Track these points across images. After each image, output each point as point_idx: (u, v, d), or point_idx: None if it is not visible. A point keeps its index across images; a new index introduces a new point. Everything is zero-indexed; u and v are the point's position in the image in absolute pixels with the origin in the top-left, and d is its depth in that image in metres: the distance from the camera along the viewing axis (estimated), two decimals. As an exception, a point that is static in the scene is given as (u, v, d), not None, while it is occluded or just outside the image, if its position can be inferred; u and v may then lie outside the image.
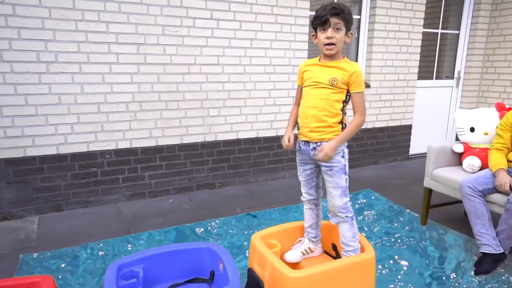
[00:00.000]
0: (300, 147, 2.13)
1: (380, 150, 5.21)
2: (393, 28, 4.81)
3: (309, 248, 2.29)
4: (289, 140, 2.11)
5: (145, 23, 3.51)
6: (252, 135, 4.29)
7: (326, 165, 2.00)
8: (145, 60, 3.58)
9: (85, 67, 3.36)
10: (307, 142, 2.06)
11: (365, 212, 3.48)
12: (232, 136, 4.18)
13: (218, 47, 3.89)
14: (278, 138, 4.45)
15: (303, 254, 2.28)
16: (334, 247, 2.37)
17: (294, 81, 4.37)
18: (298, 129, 2.14)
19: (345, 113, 2.05)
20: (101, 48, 3.39)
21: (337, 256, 2.31)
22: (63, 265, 2.56)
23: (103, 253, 2.71)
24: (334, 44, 1.93)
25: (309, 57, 4.47)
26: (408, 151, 5.43)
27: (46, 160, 3.36)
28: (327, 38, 1.92)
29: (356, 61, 4.93)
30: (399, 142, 5.32)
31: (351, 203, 2.16)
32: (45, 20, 3.14)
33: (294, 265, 2.21)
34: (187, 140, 3.95)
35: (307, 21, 4.28)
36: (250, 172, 4.37)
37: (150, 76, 3.63)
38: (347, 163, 2.06)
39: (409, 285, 2.38)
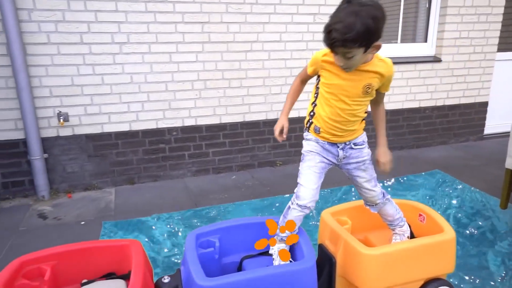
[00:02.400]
0: (318, 140, 1.80)
1: (451, 130, 4.87)
2: (470, -4, 4.40)
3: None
4: (282, 131, 1.86)
5: (210, 1, 3.55)
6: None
7: (358, 161, 1.82)
8: (209, 38, 3.63)
9: (153, 47, 3.49)
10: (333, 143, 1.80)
11: (433, 193, 3.31)
12: (293, 114, 4.10)
13: (280, 23, 3.83)
14: (340, 116, 4.33)
15: None
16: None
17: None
18: (313, 128, 1.82)
19: (366, 114, 1.81)
20: (168, 28, 3.49)
21: (411, 236, 2.23)
22: (139, 233, 2.76)
23: (174, 224, 2.87)
24: (348, 68, 1.59)
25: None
26: (483, 130, 5.02)
27: (120, 136, 3.60)
28: (340, 64, 1.58)
29: (426, 35, 4.59)
30: (473, 120, 4.93)
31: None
32: (118, 3, 3.30)
33: (366, 243, 2.15)
34: (249, 118, 3.99)
35: (374, -8, 4.05)
36: (311, 151, 4.32)
37: (214, 54, 3.68)
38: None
39: (487, 270, 2.24)
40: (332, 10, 1.55)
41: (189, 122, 3.79)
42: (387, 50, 4.42)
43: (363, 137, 1.85)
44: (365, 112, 1.78)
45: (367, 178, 1.86)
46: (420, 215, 2.16)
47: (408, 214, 2.25)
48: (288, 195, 3.31)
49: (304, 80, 1.91)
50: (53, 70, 3.26)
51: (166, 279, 1.71)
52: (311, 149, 1.80)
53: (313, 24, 3.93)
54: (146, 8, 3.39)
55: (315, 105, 1.78)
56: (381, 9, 1.48)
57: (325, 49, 1.63)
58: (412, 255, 1.80)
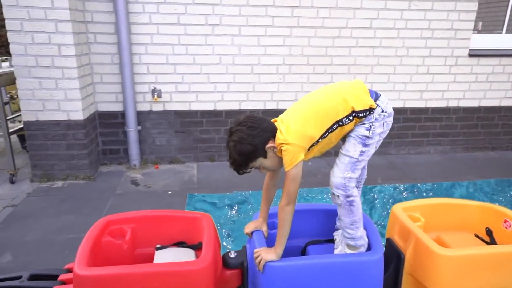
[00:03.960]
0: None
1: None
2: None
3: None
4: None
5: (302, -15, 3.52)
6: (399, 104, 4.03)
7: (349, 131, 1.62)
8: (298, 23, 3.62)
9: (243, 30, 3.57)
10: None
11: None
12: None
13: (372, 9, 3.68)
14: (427, 110, 4.09)
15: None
16: (489, 232, 2.12)
17: (454, 48, 3.90)
18: None
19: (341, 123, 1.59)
20: (259, 12, 3.54)
21: (492, 242, 2.07)
22: (219, 206, 2.90)
23: (251, 202, 2.97)
24: (270, 171, 1.67)
25: (477, 19, 3.92)
26: None
27: (205, 115, 3.77)
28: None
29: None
30: None
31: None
32: (214, -15, 3.42)
33: (438, 243, 2.02)
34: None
35: (480, -23, 3.71)
36: (391, 144, 4.16)
37: (301, 39, 3.67)
38: (373, 139, 1.62)
39: None
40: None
41: (271, 106, 3.85)
42: (489, 41, 4.06)
43: (369, 118, 1.62)
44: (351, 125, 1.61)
45: (342, 151, 1.64)
46: (505, 221, 1.99)
47: (491, 219, 2.09)
48: (368, 185, 3.24)
49: (271, 176, 1.80)
50: (151, 49, 3.50)
51: (232, 254, 1.75)
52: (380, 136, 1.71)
53: (407, 11, 3.72)
54: (239, -9, 3.46)
55: None
56: (244, 141, 1.51)
57: None
58: (491, 261, 1.67)
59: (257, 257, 1.59)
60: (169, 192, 3.16)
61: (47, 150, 3.25)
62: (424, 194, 3.18)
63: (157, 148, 3.79)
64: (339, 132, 1.61)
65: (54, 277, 1.63)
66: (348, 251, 1.76)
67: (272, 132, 1.57)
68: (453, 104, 4.13)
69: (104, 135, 3.67)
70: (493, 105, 4.19)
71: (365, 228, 1.83)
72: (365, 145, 1.63)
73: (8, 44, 3.00)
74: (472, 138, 4.29)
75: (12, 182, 3.23)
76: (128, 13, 3.31)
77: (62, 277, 1.63)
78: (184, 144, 3.82)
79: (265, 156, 1.56)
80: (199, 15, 3.47)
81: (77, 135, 3.25)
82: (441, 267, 1.67)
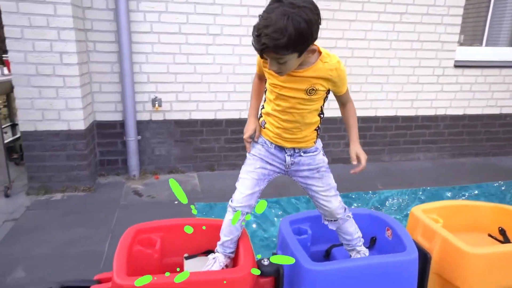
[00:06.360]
0: (265, 143, 1.67)
1: (532, 139, 4.66)
2: None
3: (226, 266, 1.74)
4: (253, 134, 1.69)
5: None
6: (391, 113, 4.19)
7: (310, 168, 1.66)
8: (297, 34, 3.71)
9: (244, 40, 3.62)
10: (280, 147, 1.65)
11: (524, 203, 3.20)
12: (370, 113, 4.14)
13: (366, 21, 3.84)
14: (417, 118, 4.28)
15: None
16: (503, 231, 2.25)
17: (441, 59, 4.12)
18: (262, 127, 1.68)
19: (322, 117, 1.66)
20: (259, 22, 3.60)
21: (506, 241, 2.19)
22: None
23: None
24: (281, 72, 1.42)
25: (462, 33, 4.16)
26: None
27: (205, 124, 3.76)
28: (272, 69, 1.41)
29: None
30: (556, 131, 4.69)
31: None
32: (215, -4, 3.46)
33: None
34: (327, 113, 3.97)
35: (464, -7, 3.96)
36: (384, 151, 4.31)
37: (300, 49, 3.76)
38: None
39: None
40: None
41: (270, 115, 3.89)
42: (472, 53, 4.30)
43: (315, 146, 1.68)
44: (317, 120, 1.63)
45: (324, 187, 1.68)
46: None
47: (503, 219, 2.21)
48: (371, 191, 3.33)
49: (260, 77, 1.70)
50: (152, 58, 3.47)
51: (266, 262, 1.73)
52: (255, 153, 1.68)
53: (399, 24, 3.90)
54: (240, 2, 3.52)
55: (265, 100, 1.67)
56: (316, 11, 1.31)
57: None
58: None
59: (364, 161, 1.64)
60: (176, 202, 3.11)
61: (45, 161, 3.12)
62: (424, 198, 3.31)
63: (156, 158, 3.73)
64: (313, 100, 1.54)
65: (85, 288, 1.58)
66: (361, 250, 1.88)
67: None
68: (441, 112, 4.34)
69: (101, 145, 3.58)
70: (476, 113, 4.44)
71: (395, 230, 1.90)
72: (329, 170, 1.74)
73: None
74: (457, 145, 4.51)
75: (7, 195, 3.07)
76: (130, 22, 3.28)
77: (94, 287, 1.58)
78: (184, 154, 3.78)
79: (300, 54, 1.34)
80: (200, 25, 3.49)
81: (77, 145, 3.15)
82: (471, 265, 1.74)
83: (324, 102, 1.59)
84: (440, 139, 4.43)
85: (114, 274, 1.47)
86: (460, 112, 4.40)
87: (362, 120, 4.12)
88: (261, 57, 1.41)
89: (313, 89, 1.48)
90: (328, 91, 1.56)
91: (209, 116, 3.75)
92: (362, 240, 1.89)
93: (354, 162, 1.64)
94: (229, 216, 1.70)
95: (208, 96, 3.70)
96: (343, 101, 1.67)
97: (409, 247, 1.76)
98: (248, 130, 1.68)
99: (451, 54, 4.14)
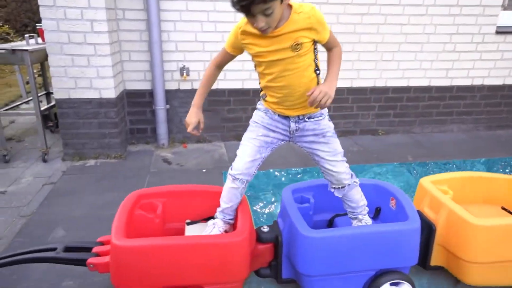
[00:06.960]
0: (268, 110, 1.67)
1: None
2: None
3: (225, 231, 1.78)
4: (197, 126, 1.75)
5: (332, -40, 3.46)
6: (424, 83, 4.03)
7: (316, 133, 1.65)
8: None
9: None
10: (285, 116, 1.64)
11: None
12: (402, 83, 4.00)
13: (402, -15, 3.64)
14: (452, 89, 4.10)
15: None
16: None
17: (482, 25, 3.88)
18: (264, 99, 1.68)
19: (319, 73, 1.59)
20: None
21: None
22: (254, 184, 2.92)
23: (287, 180, 2.99)
24: (270, 27, 1.41)
25: (506, -4, 3.87)
26: None
27: (233, 93, 3.75)
28: (259, 27, 1.39)
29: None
30: None
31: None
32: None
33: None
34: (357, 84, 3.93)
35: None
36: (415, 122, 4.18)
37: (330, 16, 3.62)
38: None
39: None
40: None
41: (298, 84, 3.82)
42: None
43: (320, 111, 1.65)
44: (314, 77, 1.56)
45: (330, 152, 1.66)
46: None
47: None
48: (396, 163, 3.26)
49: (220, 64, 1.73)
50: (180, 26, 3.44)
51: (265, 229, 1.76)
52: (257, 119, 1.69)
53: (437, -13, 3.68)
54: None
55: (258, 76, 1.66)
56: None
57: (240, 22, 1.53)
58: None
59: (320, 94, 1.42)
60: (204, 170, 3.17)
61: (78, 128, 3.23)
62: (456, 170, 3.21)
63: (184, 127, 3.75)
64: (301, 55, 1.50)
65: (88, 249, 1.65)
66: (364, 219, 1.86)
67: None
68: (477, 82, 4.13)
69: (131, 114, 3.65)
70: (497, 84, 4.19)
71: (399, 200, 1.86)
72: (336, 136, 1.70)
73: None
74: (495, 117, 4.31)
75: (45, 160, 3.22)
76: (158, -11, 3.25)
77: (96, 249, 1.65)
78: (211, 123, 3.80)
79: (282, 1, 1.37)
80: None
81: (108, 113, 3.22)
82: (476, 237, 1.69)
83: (315, 56, 1.54)
84: (475, 111, 4.24)
85: (112, 235, 1.51)
86: (499, 82, 4.17)
87: (393, 90, 3.99)
88: (247, 16, 1.39)
89: (297, 44, 1.46)
90: (314, 43, 1.51)
91: (237, 85, 3.73)
92: (367, 209, 1.87)
93: (307, 93, 1.46)
94: (229, 183, 1.70)
95: (235, 65, 3.60)
96: (330, 46, 1.58)
97: (411, 217, 1.72)
98: (191, 123, 1.72)
99: (493, 19, 3.88)
